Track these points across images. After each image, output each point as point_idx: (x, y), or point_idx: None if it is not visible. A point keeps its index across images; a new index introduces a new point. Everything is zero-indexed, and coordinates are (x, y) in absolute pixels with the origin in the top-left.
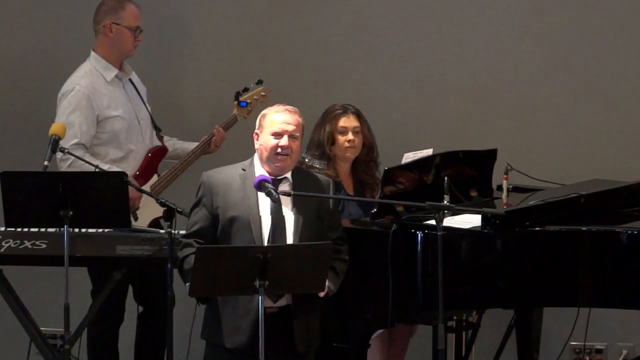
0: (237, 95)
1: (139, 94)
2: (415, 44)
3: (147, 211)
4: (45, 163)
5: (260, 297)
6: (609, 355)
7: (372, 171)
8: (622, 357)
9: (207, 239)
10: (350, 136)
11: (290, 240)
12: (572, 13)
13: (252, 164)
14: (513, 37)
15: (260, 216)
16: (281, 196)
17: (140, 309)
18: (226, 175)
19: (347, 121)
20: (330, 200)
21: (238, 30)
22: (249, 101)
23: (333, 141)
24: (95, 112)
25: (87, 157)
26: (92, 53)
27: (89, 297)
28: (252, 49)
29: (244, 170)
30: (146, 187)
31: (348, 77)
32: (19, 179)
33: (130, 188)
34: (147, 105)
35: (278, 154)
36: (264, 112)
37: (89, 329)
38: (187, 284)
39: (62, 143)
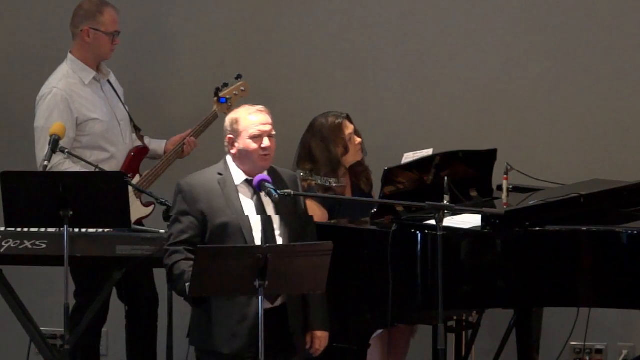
0: (217, 91)
1: (117, 94)
2: (415, 45)
3: (132, 211)
4: (45, 163)
5: (260, 297)
6: (609, 355)
7: (363, 160)
8: (622, 357)
9: (196, 246)
10: (358, 139)
11: (279, 240)
12: (571, 13)
13: (227, 167)
14: (513, 37)
15: (249, 220)
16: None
17: (126, 308)
18: (204, 181)
19: (349, 127)
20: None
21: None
22: (228, 97)
23: (346, 151)
24: (74, 114)
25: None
26: (69, 55)
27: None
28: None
29: (220, 174)
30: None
31: (349, 78)
32: (19, 179)
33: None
34: (125, 105)
35: (261, 155)
36: (233, 116)
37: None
38: (187, 284)
39: (42, 148)
